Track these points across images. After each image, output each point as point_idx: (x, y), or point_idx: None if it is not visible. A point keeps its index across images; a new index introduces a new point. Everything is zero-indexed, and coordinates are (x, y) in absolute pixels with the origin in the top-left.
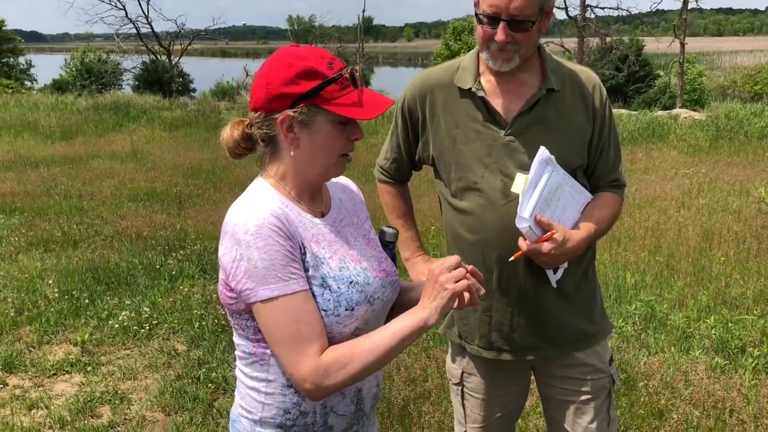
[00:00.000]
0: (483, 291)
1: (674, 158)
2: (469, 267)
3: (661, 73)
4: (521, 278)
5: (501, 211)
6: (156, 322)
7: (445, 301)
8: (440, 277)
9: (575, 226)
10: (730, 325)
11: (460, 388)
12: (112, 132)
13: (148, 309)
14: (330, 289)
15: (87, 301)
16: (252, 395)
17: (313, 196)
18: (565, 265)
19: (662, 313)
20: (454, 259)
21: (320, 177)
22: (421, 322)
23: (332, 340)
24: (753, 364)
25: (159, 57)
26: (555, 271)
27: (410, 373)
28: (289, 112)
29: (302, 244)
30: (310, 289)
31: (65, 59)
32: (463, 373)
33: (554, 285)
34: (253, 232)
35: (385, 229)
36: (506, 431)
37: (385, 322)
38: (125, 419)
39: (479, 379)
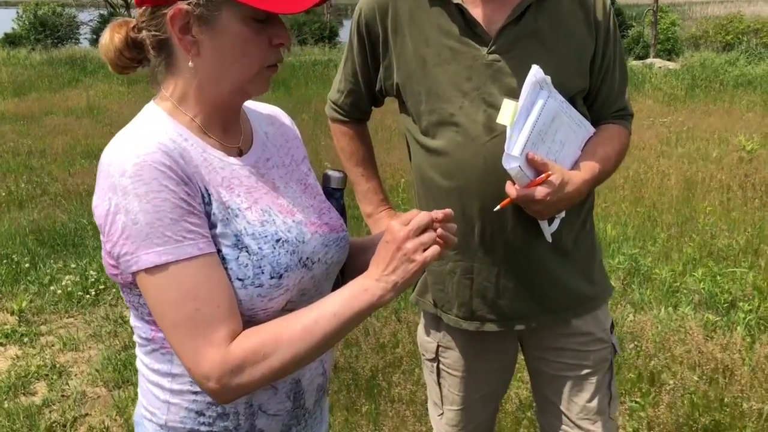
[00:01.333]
0: (454, 239)
1: (650, 107)
2: (440, 213)
3: (634, 23)
4: (509, 232)
5: (484, 149)
6: (103, 287)
7: (410, 275)
8: (406, 244)
9: (575, 166)
10: (718, 278)
11: (435, 364)
12: (68, 87)
13: (95, 273)
14: (248, 251)
15: (28, 265)
16: (155, 393)
17: (226, 126)
18: (563, 214)
19: (646, 266)
20: (424, 217)
21: (234, 97)
22: (372, 298)
23: (254, 320)
24: (745, 320)
25: (117, 9)
26: (550, 222)
27: (379, 338)
28: (182, 4)
29: (206, 190)
30: (219, 251)
31: (17, 12)
32: (438, 347)
33: (549, 239)
34: (132, 173)
35: (330, 172)
36: (490, 410)
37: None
38: (62, 396)
39: (458, 354)
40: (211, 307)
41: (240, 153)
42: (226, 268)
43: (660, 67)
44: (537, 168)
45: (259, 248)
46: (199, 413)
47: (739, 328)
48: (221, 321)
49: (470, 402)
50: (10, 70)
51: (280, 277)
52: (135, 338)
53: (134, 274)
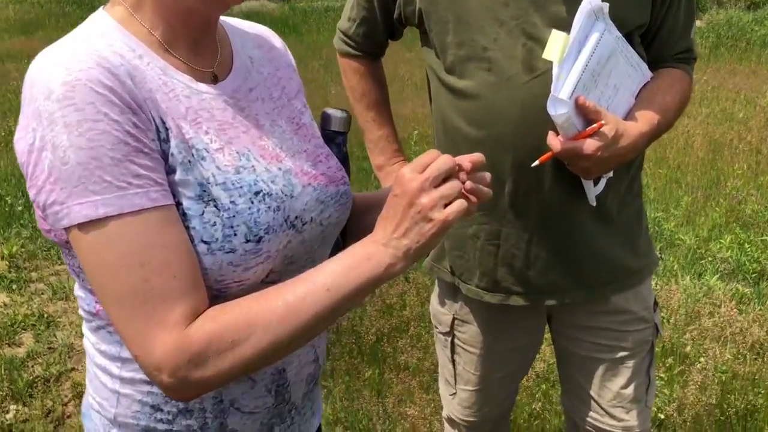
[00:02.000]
0: (489, 192)
1: None
2: (468, 159)
3: None
4: (546, 192)
5: (522, 92)
6: None
7: (427, 238)
8: (421, 198)
9: (629, 116)
10: (746, 246)
11: (449, 339)
12: (76, 27)
13: None
14: (216, 205)
15: (21, 208)
16: (102, 380)
17: (196, 44)
18: (610, 174)
19: (669, 231)
20: (445, 162)
21: (203, 3)
22: (378, 268)
23: (225, 295)
24: None
25: None
26: (596, 183)
27: (385, 299)
28: None
29: (162, 122)
30: (178, 204)
31: None
32: (454, 320)
33: (593, 202)
34: (60, 95)
35: (330, 111)
36: (509, 392)
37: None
38: (48, 348)
39: (476, 330)
40: (164, 277)
41: (215, 79)
42: (187, 227)
43: None
44: (588, 116)
45: (232, 202)
46: (155, 408)
47: None
48: (178, 296)
49: (487, 383)
50: (17, 8)
51: (259, 240)
52: (80, 311)
53: (66, 230)
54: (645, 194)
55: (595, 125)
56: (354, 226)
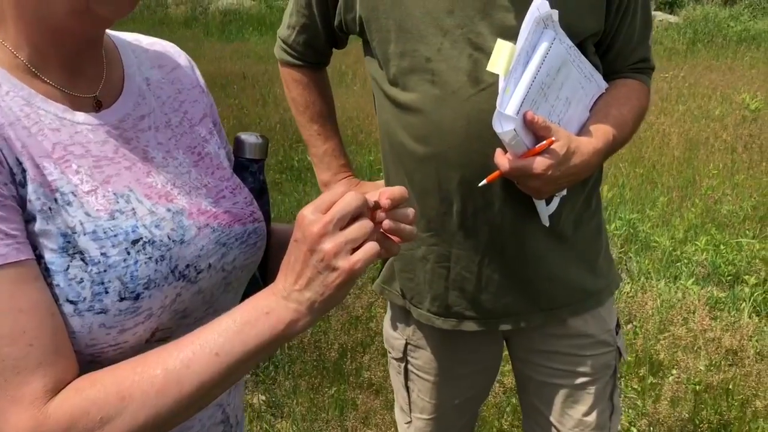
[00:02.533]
0: (412, 231)
1: None
2: (386, 195)
3: None
4: (496, 212)
5: (468, 106)
6: None
7: (332, 290)
8: (323, 244)
9: (583, 131)
10: (721, 248)
11: (403, 365)
12: None
13: None
14: (84, 258)
15: None
16: None
17: (72, 66)
18: (564, 192)
19: (645, 233)
20: (351, 200)
21: (75, 19)
22: (277, 326)
23: (101, 360)
24: (751, 297)
25: None
26: (548, 202)
27: (350, 312)
28: None
29: (18, 163)
30: (40, 257)
31: None
32: (407, 345)
33: (546, 222)
34: None
35: (243, 136)
36: (467, 418)
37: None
38: None
39: (430, 355)
40: (18, 345)
41: (98, 106)
42: (50, 284)
43: (661, 21)
44: (537, 132)
45: (103, 254)
46: None
47: (745, 308)
48: (35, 367)
49: (444, 410)
50: None
51: (137, 297)
52: None
53: None
54: (621, 195)
55: (544, 142)
56: (277, 262)
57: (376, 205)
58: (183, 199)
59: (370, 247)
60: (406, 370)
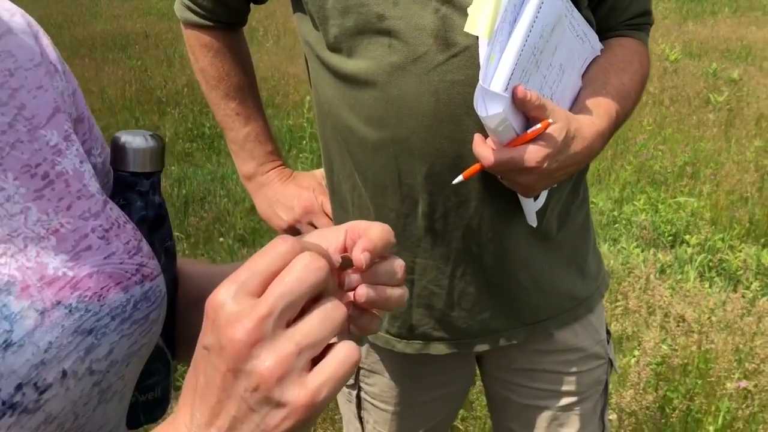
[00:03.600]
0: (402, 295)
1: None
2: (364, 248)
3: None
4: (472, 212)
5: (436, 77)
6: None
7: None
8: (256, 358)
9: (580, 106)
10: (659, 207)
11: (355, 392)
12: None
13: None
14: None
15: None
16: None
17: None
18: (555, 184)
19: None
20: (303, 268)
21: None
22: None
23: None
24: (691, 255)
25: None
26: (536, 197)
27: None
28: None
29: None
30: None
31: None
32: (359, 370)
33: (533, 222)
34: None
35: (124, 138)
36: None
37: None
38: None
39: (388, 381)
40: None
41: None
42: None
43: None
44: (529, 113)
45: None
46: None
47: (690, 271)
48: None
49: None
50: None
51: None
52: None
53: None
54: None
55: (539, 126)
56: (191, 324)
57: (345, 263)
58: (10, 264)
59: (344, 355)
60: (359, 398)
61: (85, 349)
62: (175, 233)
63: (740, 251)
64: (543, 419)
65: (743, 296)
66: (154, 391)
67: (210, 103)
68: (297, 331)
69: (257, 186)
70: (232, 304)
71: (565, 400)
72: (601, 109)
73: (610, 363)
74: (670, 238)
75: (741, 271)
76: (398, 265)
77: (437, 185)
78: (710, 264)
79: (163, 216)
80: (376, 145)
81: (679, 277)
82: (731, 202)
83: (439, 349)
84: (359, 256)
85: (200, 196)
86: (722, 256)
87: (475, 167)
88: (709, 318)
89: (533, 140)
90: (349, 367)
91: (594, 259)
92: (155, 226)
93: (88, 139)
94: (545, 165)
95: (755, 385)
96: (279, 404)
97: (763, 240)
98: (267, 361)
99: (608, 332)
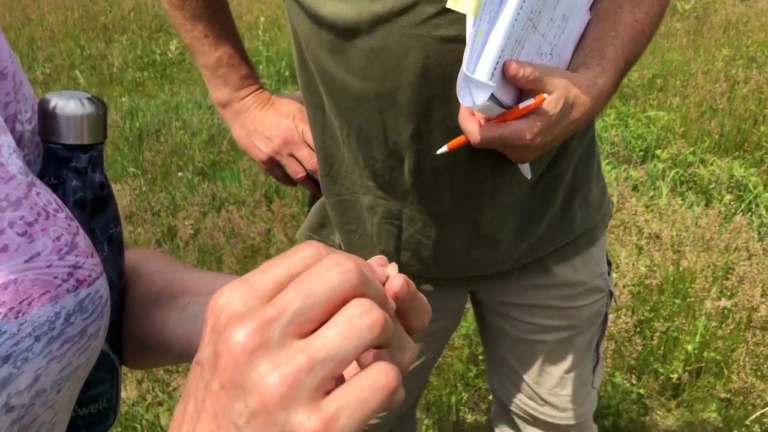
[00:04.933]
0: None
1: None
2: (397, 280)
3: None
4: (463, 172)
5: (426, 31)
6: None
7: None
8: (257, 371)
9: (582, 52)
10: (629, 122)
11: None
12: None
13: None
14: None
15: None
16: None
17: None
18: None
19: None
20: (337, 266)
21: None
22: None
23: None
24: (663, 170)
25: None
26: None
27: (246, 240)
28: None
29: None
30: None
31: None
32: None
33: (528, 175)
34: None
35: (54, 101)
36: (416, 385)
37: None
38: None
39: None
40: None
41: None
42: None
43: None
44: (523, 87)
45: None
46: None
47: (663, 187)
48: None
49: None
50: None
51: None
52: None
53: None
54: None
55: (532, 101)
56: (144, 320)
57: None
58: None
59: (375, 376)
60: None
61: (1, 381)
62: (131, 169)
63: (712, 164)
64: (538, 352)
65: (719, 213)
66: (98, 402)
67: (175, 24)
68: (311, 342)
69: (233, 114)
70: (237, 305)
71: (562, 334)
72: (606, 61)
73: (610, 295)
74: (641, 153)
75: (713, 185)
76: (421, 302)
77: (425, 144)
78: (682, 179)
79: (105, 198)
80: (358, 96)
81: (652, 193)
82: (701, 113)
83: (427, 287)
84: (394, 285)
85: (155, 128)
86: (694, 170)
87: (461, 139)
88: (683, 235)
89: (527, 114)
90: (380, 393)
91: (597, 188)
92: (96, 211)
93: (12, 101)
94: (539, 140)
95: (735, 304)
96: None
97: (734, 153)
98: (270, 375)
99: (609, 263)
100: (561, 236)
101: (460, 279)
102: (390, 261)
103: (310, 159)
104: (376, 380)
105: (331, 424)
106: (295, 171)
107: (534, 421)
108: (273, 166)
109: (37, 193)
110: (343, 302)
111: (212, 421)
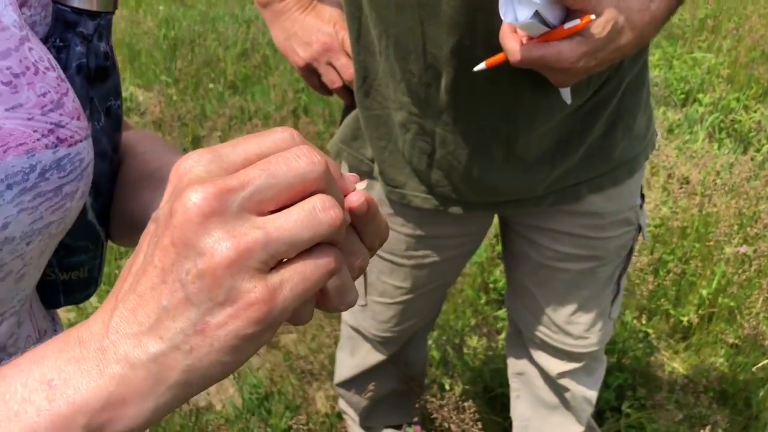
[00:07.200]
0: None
1: None
2: (357, 193)
3: None
4: (502, 93)
5: None
6: None
7: (217, 344)
8: (209, 231)
9: None
10: (674, 62)
11: None
12: None
13: None
14: None
15: None
16: None
17: None
18: None
19: None
20: (285, 166)
21: None
22: (73, 415)
23: None
24: (702, 115)
25: None
26: None
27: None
28: None
29: None
30: None
31: None
32: None
33: (568, 100)
34: None
35: None
36: (433, 302)
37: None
38: None
39: (397, 235)
40: None
41: None
42: None
43: None
44: (570, 6)
45: None
46: None
47: (700, 131)
48: None
49: (408, 297)
50: None
51: None
52: None
53: None
54: None
55: (578, 21)
56: (134, 198)
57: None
58: None
59: (319, 257)
60: None
61: None
62: (163, 78)
63: (755, 112)
64: (559, 281)
65: (752, 159)
66: (80, 270)
67: None
68: (270, 221)
69: (274, 14)
70: (201, 171)
71: (586, 264)
72: None
73: (639, 229)
74: (683, 96)
75: (753, 133)
76: (383, 235)
77: (465, 60)
78: (721, 125)
79: (107, 69)
80: (400, 3)
81: (687, 137)
82: (752, 59)
83: (456, 210)
84: (352, 197)
85: (189, 38)
86: (735, 116)
87: (500, 56)
88: (714, 180)
89: (570, 36)
90: (322, 272)
91: (644, 117)
92: (96, 80)
93: None
94: (581, 64)
95: (755, 251)
96: (227, 299)
97: None
98: (224, 242)
99: (642, 197)
100: (599, 165)
101: (489, 203)
102: (421, 180)
103: (348, 68)
104: (319, 259)
105: (275, 295)
106: (332, 81)
107: (547, 347)
108: (309, 73)
109: (30, 49)
110: (303, 192)
111: (158, 275)
